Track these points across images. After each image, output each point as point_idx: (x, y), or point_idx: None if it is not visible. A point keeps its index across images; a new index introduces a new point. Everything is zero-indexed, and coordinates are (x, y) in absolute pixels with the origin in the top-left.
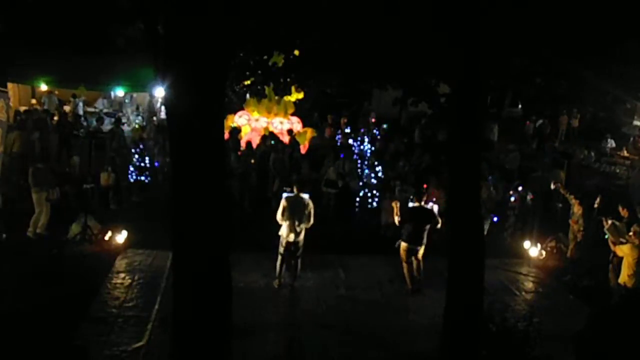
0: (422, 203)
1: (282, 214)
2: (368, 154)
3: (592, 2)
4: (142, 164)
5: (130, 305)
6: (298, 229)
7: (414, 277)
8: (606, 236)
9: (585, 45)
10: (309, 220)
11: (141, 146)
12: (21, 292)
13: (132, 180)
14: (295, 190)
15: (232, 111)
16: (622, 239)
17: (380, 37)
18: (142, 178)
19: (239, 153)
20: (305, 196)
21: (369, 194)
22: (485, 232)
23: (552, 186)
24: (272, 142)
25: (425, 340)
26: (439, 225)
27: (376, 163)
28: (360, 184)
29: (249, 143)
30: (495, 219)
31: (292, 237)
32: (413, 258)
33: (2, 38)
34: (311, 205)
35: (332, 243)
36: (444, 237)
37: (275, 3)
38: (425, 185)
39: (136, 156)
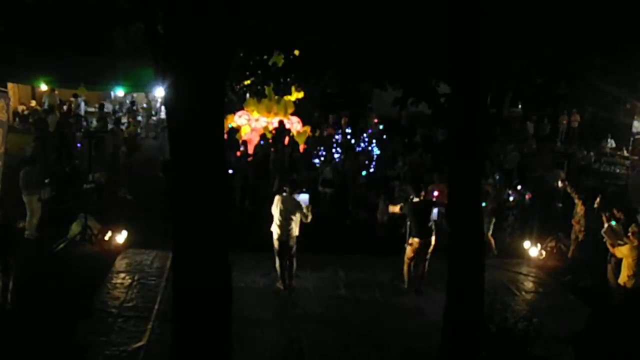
0: (422, 197)
1: (277, 211)
2: (375, 154)
3: (592, 2)
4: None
5: (130, 305)
6: (289, 229)
7: (412, 277)
8: (604, 239)
9: (586, 46)
10: (306, 218)
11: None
12: (21, 292)
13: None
14: (287, 190)
15: (232, 111)
16: (619, 241)
17: (381, 37)
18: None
19: (238, 153)
20: (301, 197)
21: (366, 193)
22: (490, 232)
23: (560, 184)
24: (270, 139)
25: (425, 340)
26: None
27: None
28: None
29: (245, 142)
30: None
31: (283, 236)
32: (420, 258)
33: (2, 38)
34: (303, 206)
35: (331, 243)
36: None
37: (275, 3)
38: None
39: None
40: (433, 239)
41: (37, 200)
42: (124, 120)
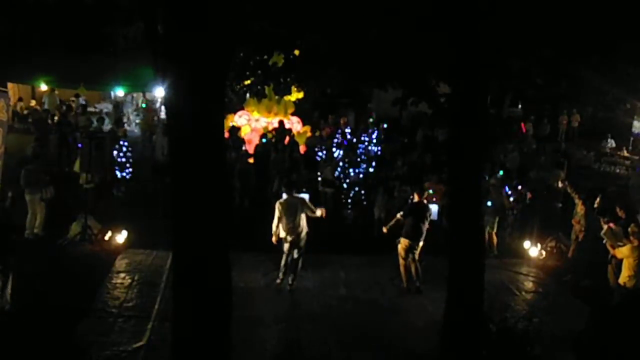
0: (423, 199)
1: (278, 220)
2: (373, 153)
3: (592, 2)
4: (124, 160)
5: (130, 305)
6: (298, 229)
7: (411, 277)
8: (604, 241)
9: (586, 45)
10: (313, 212)
11: (122, 142)
12: (21, 292)
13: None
14: (285, 192)
15: (232, 111)
16: (619, 243)
17: (381, 37)
18: (124, 174)
19: (241, 152)
20: (299, 196)
21: (364, 192)
22: (495, 230)
23: (560, 185)
24: (270, 137)
25: (425, 340)
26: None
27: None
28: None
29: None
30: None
31: (293, 237)
32: (410, 257)
33: (2, 38)
34: (305, 201)
35: (331, 243)
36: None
37: (275, 3)
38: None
39: (115, 152)
40: (422, 243)
41: (40, 200)
42: (124, 120)
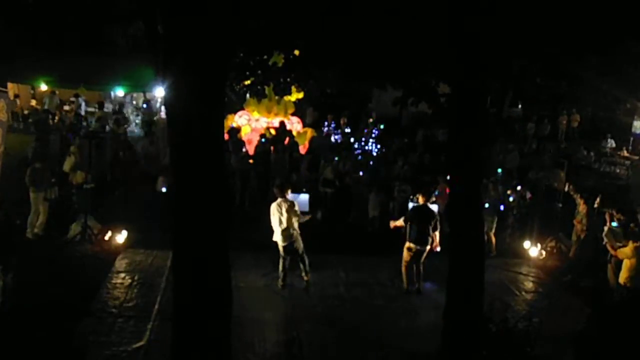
0: (427, 202)
1: (276, 218)
2: (373, 153)
3: (592, 2)
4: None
5: (130, 305)
6: (291, 233)
7: (412, 277)
8: (604, 241)
9: (586, 45)
10: (299, 218)
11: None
12: (21, 292)
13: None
14: (277, 195)
15: (232, 111)
16: (619, 243)
17: (381, 37)
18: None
19: (241, 153)
20: (300, 197)
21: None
22: (493, 230)
23: (566, 188)
24: (269, 136)
25: (425, 340)
26: (437, 228)
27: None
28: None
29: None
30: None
31: (286, 241)
32: (415, 260)
33: (2, 38)
34: (294, 205)
35: (332, 243)
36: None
37: (275, 3)
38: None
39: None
40: (428, 247)
41: (44, 199)
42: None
